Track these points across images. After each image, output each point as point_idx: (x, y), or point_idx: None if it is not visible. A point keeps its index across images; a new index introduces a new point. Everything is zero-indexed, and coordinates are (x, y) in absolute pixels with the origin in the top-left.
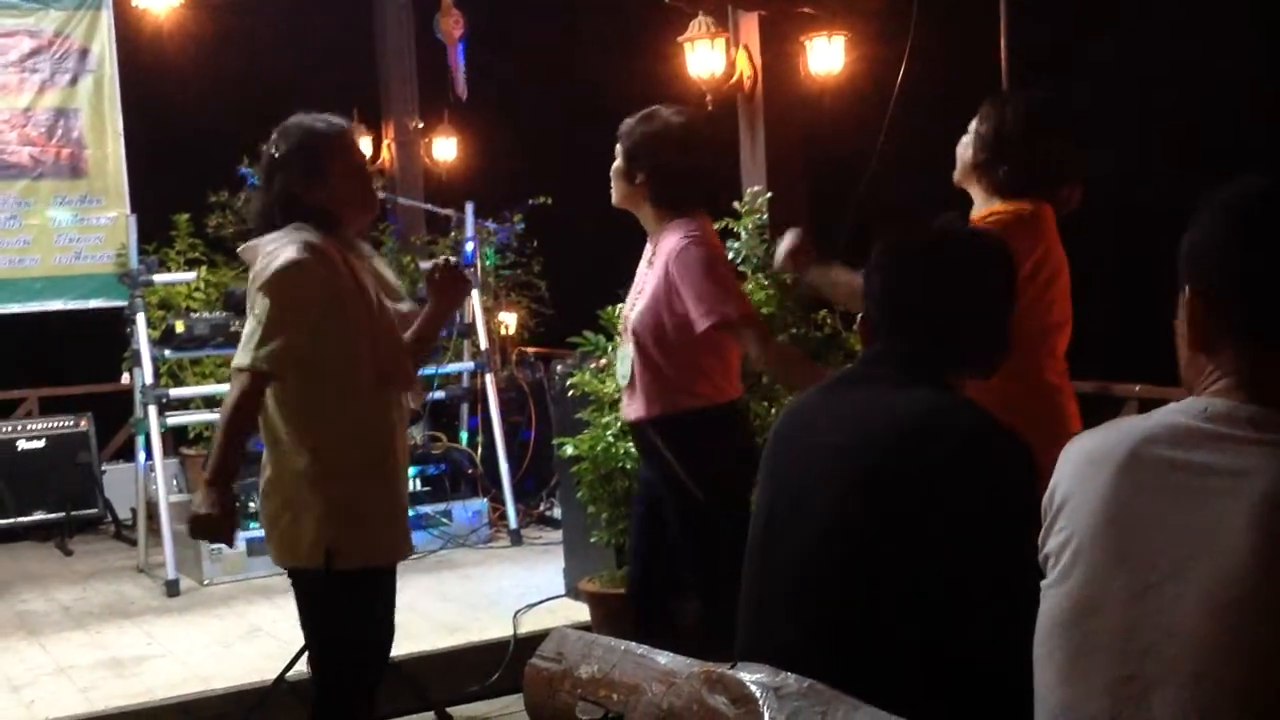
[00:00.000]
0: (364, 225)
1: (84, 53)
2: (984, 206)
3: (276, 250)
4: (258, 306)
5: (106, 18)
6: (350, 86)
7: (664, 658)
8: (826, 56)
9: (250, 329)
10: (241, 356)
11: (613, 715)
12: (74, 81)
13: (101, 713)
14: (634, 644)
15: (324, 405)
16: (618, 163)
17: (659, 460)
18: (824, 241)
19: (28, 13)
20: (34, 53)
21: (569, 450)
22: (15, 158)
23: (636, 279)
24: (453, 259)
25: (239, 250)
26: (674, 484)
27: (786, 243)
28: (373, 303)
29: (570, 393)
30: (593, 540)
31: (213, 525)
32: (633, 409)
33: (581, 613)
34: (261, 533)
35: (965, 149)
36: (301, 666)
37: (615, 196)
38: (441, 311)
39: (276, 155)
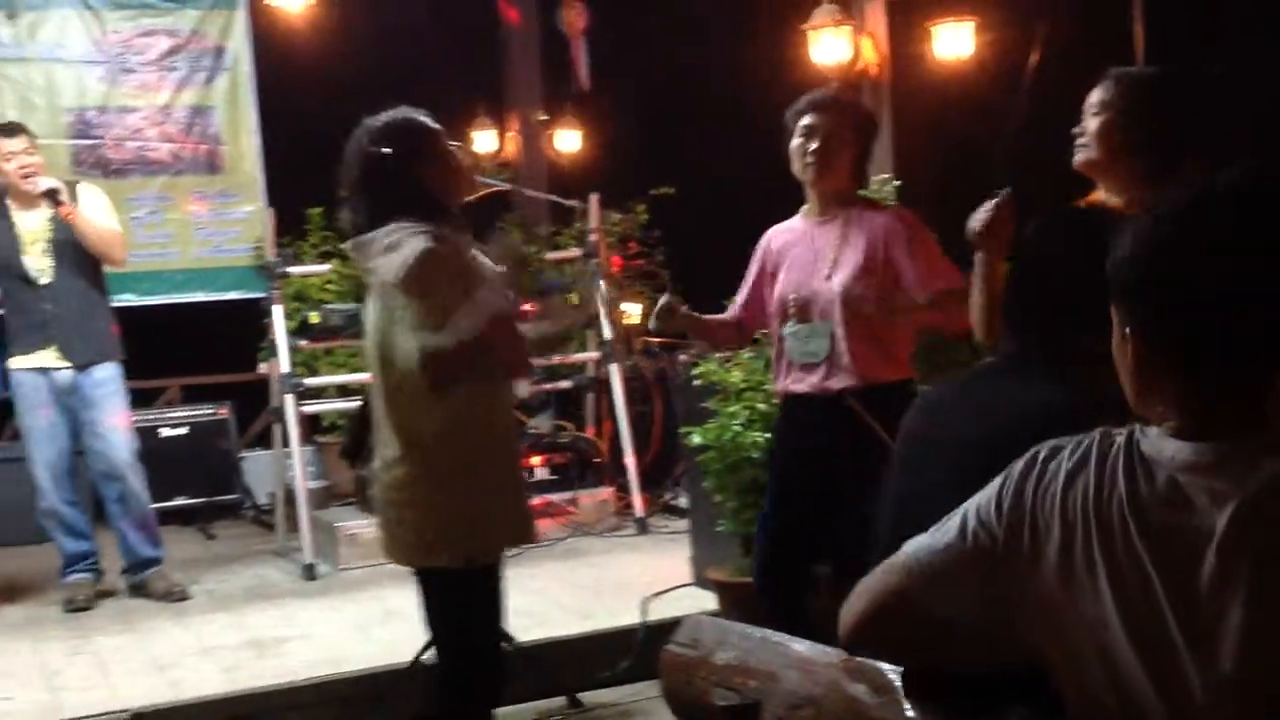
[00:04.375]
0: (460, 203)
1: (219, 51)
2: (1122, 193)
3: (401, 242)
4: (401, 302)
5: (241, 17)
6: (475, 79)
7: (801, 645)
8: (954, 42)
9: (405, 325)
10: (409, 352)
11: (749, 702)
12: (210, 79)
13: (244, 692)
14: (770, 631)
15: (459, 398)
16: (822, 141)
17: (853, 432)
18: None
19: (166, 12)
20: (172, 51)
21: (696, 440)
22: (156, 154)
23: (798, 257)
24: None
25: (349, 246)
26: (873, 455)
27: (982, 215)
28: (492, 288)
29: (696, 382)
30: (719, 529)
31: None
32: (835, 380)
33: (708, 601)
34: None
35: (1099, 131)
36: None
37: (827, 169)
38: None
39: (376, 153)
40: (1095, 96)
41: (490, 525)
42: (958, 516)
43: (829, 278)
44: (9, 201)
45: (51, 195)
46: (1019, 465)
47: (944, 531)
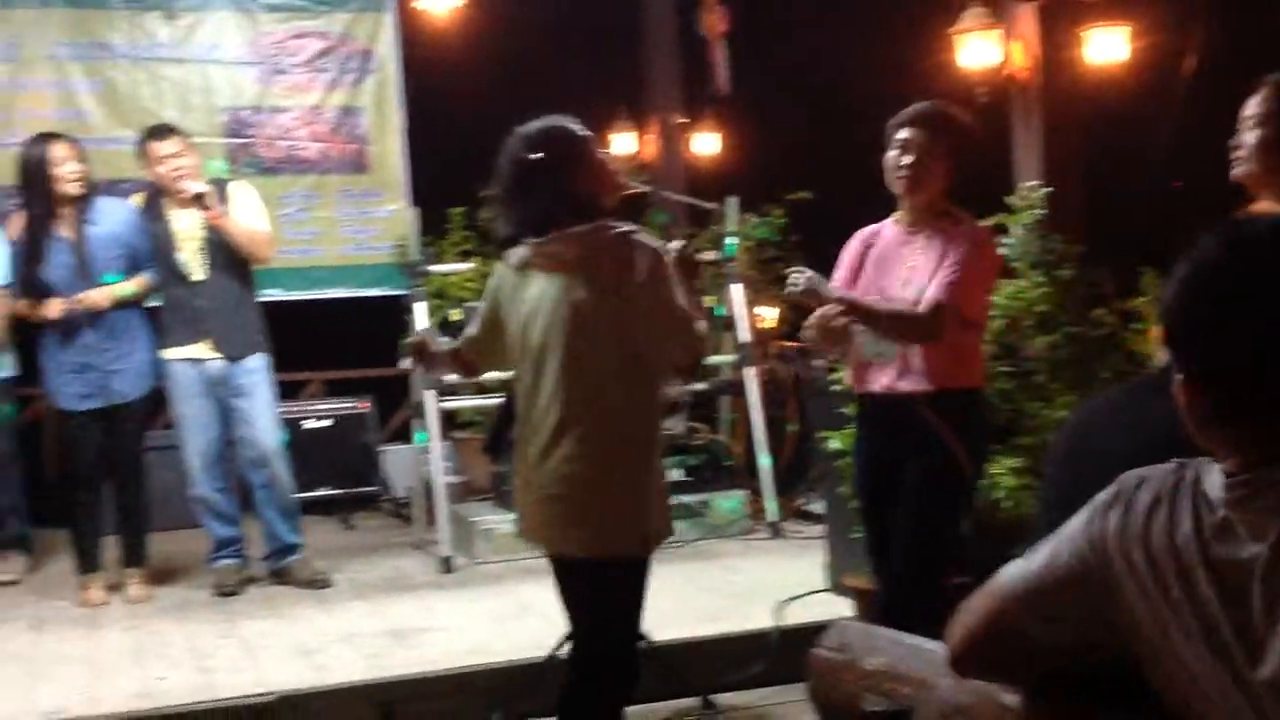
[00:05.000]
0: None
1: (368, 53)
2: None
3: (626, 243)
4: (653, 300)
5: (389, 20)
6: (615, 82)
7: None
8: (1107, 47)
9: (666, 325)
10: (684, 353)
11: (900, 709)
12: (359, 81)
13: (387, 679)
14: (920, 638)
15: (641, 392)
16: (916, 155)
17: (923, 436)
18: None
19: (317, 15)
20: (322, 53)
21: (834, 445)
22: (305, 153)
23: (881, 260)
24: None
25: (535, 245)
26: (940, 459)
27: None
28: None
29: (835, 387)
30: (855, 535)
31: None
32: (906, 382)
33: (843, 607)
34: None
35: (1258, 144)
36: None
37: (919, 184)
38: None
39: (534, 160)
40: (1252, 108)
41: (659, 514)
42: (1051, 542)
43: (904, 286)
44: (165, 201)
45: (199, 199)
46: (1105, 494)
47: (1039, 557)
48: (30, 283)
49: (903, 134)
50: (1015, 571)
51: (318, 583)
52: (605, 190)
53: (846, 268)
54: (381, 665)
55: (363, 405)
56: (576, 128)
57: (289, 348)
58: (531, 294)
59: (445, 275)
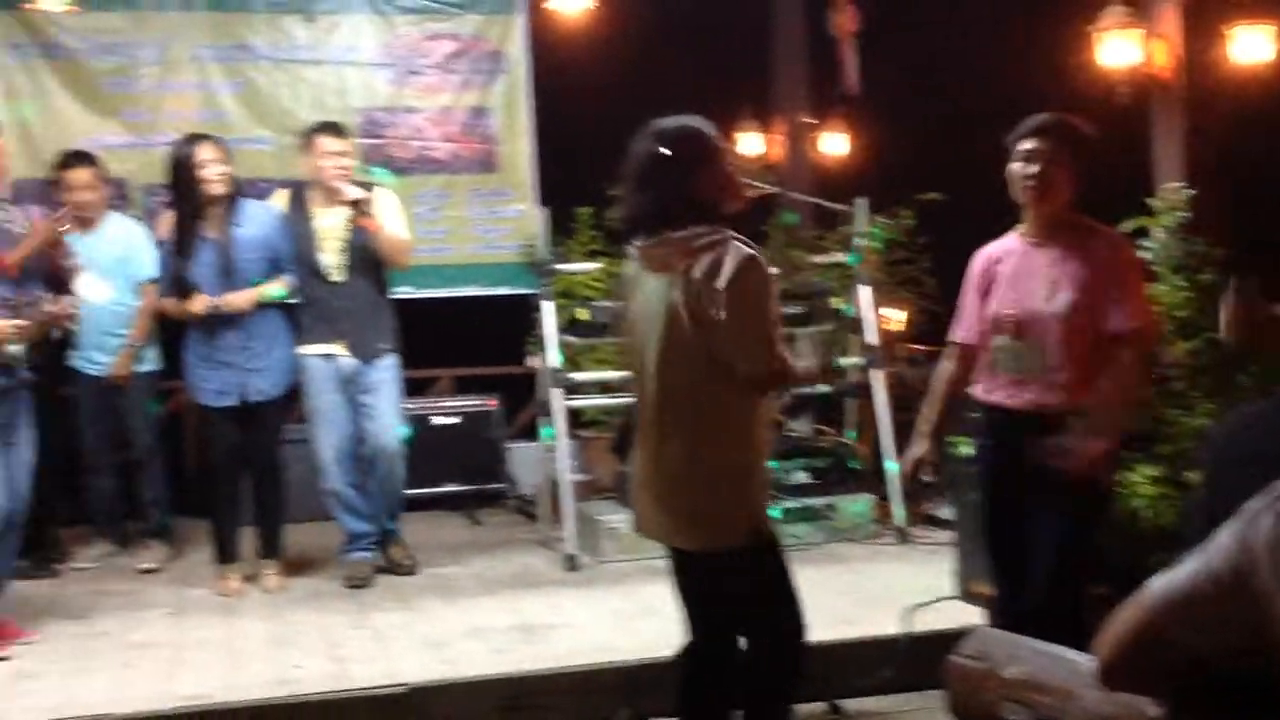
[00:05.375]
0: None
1: (498, 54)
2: None
3: (719, 248)
4: (730, 308)
5: (520, 22)
6: (743, 82)
7: (1093, 663)
8: (1253, 46)
9: (738, 334)
10: (751, 361)
11: (1042, 718)
12: (489, 82)
13: (517, 674)
14: (1062, 648)
15: (747, 393)
16: (1042, 166)
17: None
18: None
19: (450, 17)
20: (454, 55)
21: (965, 450)
22: (437, 154)
23: (1016, 276)
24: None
25: (643, 246)
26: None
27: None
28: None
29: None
30: None
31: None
32: (1046, 398)
33: (972, 615)
34: None
35: None
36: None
37: (1046, 194)
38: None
39: (661, 155)
40: None
41: (762, 502)
42: (1201, 552)
43: (1048, 299)
44: (311, 199)
45: (357, 205)
46: (1256, 502)
47: (1188, 567)
48: (177, 280)
49: (1027, 145)
50: (1165, 581)
51: (404, 567)
52: (727, 196)
53: (974, 289)
54: (509, 660)
55: (490, 402)
56: (710, 131)
57: (419, 345)
58: (642, 293)
59: (573, 274)
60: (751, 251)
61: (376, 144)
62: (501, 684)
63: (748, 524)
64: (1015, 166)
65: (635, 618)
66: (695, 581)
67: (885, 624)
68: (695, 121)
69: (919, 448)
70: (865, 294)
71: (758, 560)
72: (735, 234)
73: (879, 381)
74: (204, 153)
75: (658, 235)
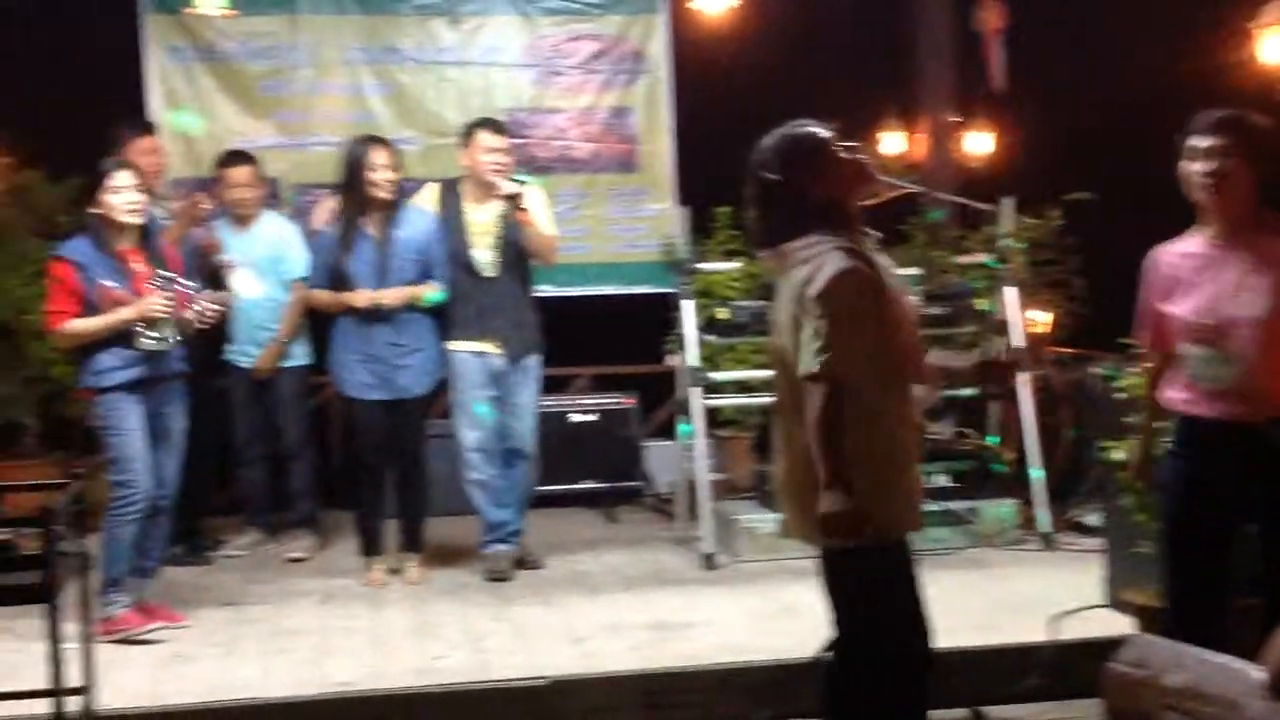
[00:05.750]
0: (863, 206)
1: (640, 54)
2: None
3: (820, 259)
4: (814, 315)
5: (662, 21)
6: (885, 80)
7: (1264, 674)
8: None
9: (810, 337)
10: (810, 363)
11: None
12: (630, 82)
13: (656, 671)
14: (1228, 657)
15: (858, 389)
16: (1221, 163)
17: (1265, 462)
18: None
19: (592, 18)
20: (596, 55)
21: (1118, 455)
22: (577, 153)
23: (1203, 280)
24: (1013, 356)
25: (763, 256)
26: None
27: None
28: (897, 296)
29: (1119, 395)
30: (1139, 550)
31: (841, 521)
32: (1245, 408)
33: (1122, 624)
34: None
35: None
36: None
37: (1226, 193)
38: (969, 378)
39: (767, 179)
40: None
41: (887, 505)
42: None
43: (1244, 304)
44: (463, 195)
45: (514, 199)
46: None
47: None
48: (334, 273)
49: (1203, 142)
50: None
51: (529, 563)
52: (850, 192)
53: (1156, 290)
54: (647, 656)
55: (627, 401)
56: (813, 134)
57: (557, 343)
58: (779, 297)
59: (711, 273)
60: (850, 264)
61: (519, 144)
62: (641, 680)
63: (860, 525)
64: (1190, 165)
65: (773, 618)
66: (826, 579)
67: (1029, 631)
68: (796, 131)
69: (1142, 452)
70: (1011, 295)
71: (869, 563)
72: (847, 244)
73: (1024, 384)
74: (377, 156)
75: (776, 248)
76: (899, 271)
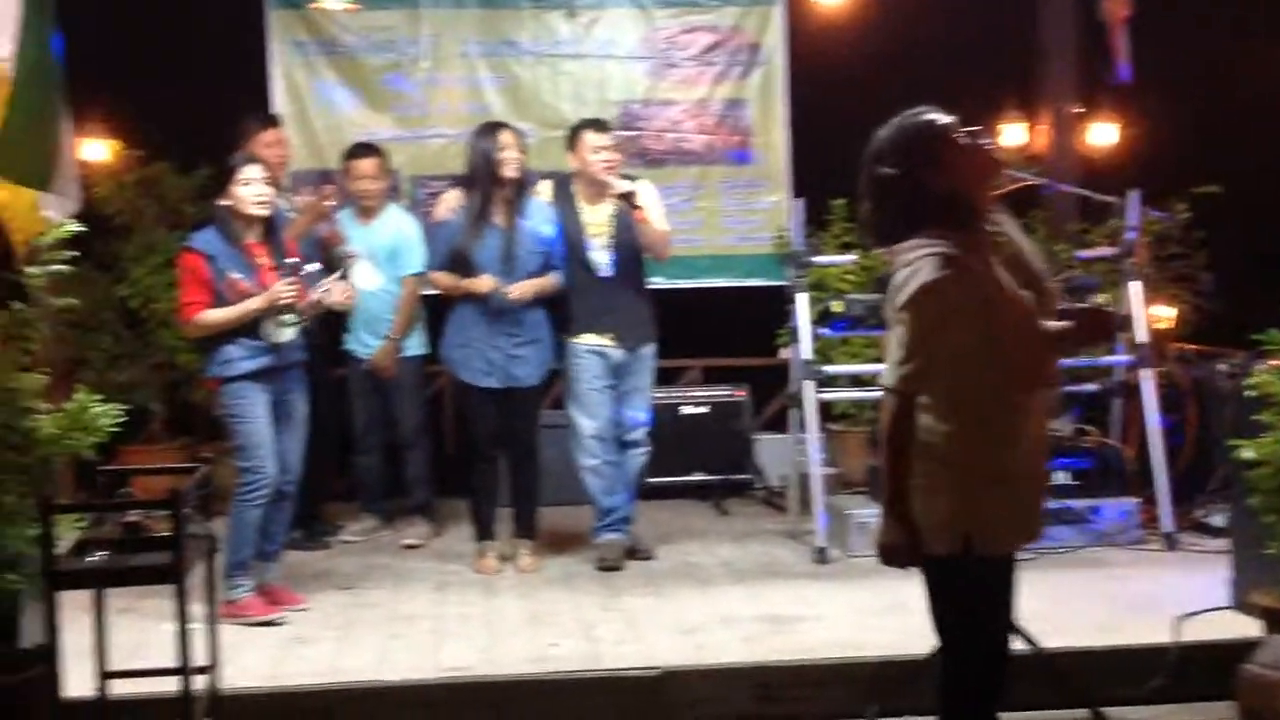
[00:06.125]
0: (989, 196)
1: (756, 46)
2: None
3: (917, 266)
4: (900, 324)
5: (778, 13)
6: (1005, 70)
7: None
8: None
9: (893, 348)
10: (888, 376)
11: None
12: (745, 74)
13: (765, 664)
14: None
15: (961, 401)
16: None
17: None
18: None
19: (708, 10)
20: (712, 47)
21: (1248, 454)
22: (691, 146)
23: None
24: (1106, 306)
25: (882, 252)
26: None
27: None
28: (1011, 299)
29: (1249, 393)
30: (1268, 551)
31: (895, 553)
32: None
33: (1249, 627)
34: None
35: None
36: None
37: None
38: (1074, 342)
39: (889, 162)
40: None
41: (989, 518)
42: None
43: None
44: (576, 193)
45: (628, 198)
46: None
47: None
48: (458, 259)
49: None
50: None
51: (640, 554)
52: (974, 184)
53: None
54: (759, 649)
55: (739, 393)
56: (932, 122)
57: (669, 334)
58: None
59: (826, 266)
60: (942, 274)
61: (632, 136)
62: (753, 672)
63: (958, 531)
64: None
65: (885, 613)
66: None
67: (1150, 632)
68: (918, 118)
69: None
70: (1135, 290)
71: (956, 573)
72: (947, 249)
73: (1147, 381)
74: (504, 139)
75: (888, 246)
76: (1033, 263)
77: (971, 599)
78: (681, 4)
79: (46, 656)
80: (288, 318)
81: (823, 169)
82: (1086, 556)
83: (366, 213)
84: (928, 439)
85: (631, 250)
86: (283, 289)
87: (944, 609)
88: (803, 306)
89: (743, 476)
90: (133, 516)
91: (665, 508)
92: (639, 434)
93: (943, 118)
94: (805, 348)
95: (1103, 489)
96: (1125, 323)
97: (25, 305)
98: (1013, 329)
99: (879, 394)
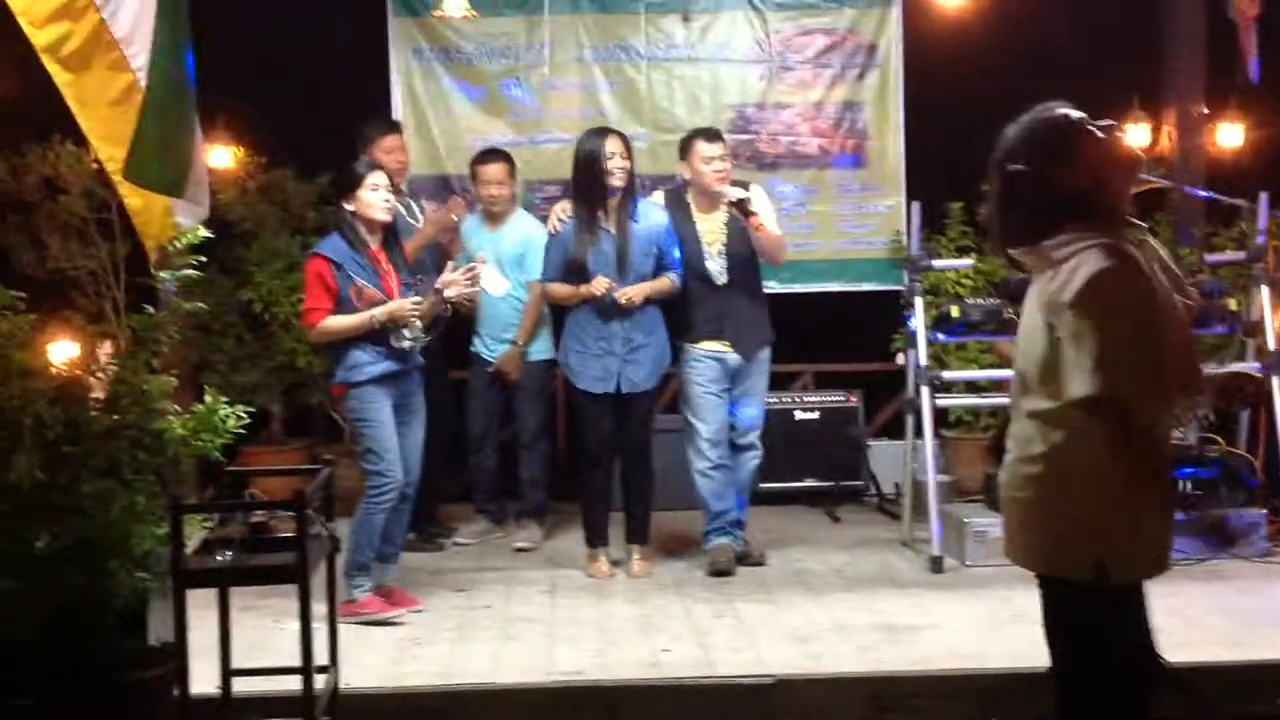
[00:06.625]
0: (1128, 194)
1: (872, 48)
2: None
3: (1077, 260)
4: (1072, 326)
5: (895, 14)
6: (1130, 70)
7: None
8: None
9: (1075, 353)
10: (1080, 386)
11: None
12: (861, 76)
13: (880, 673)
14: None
15: (1113, 405)
16: None
17: None
18: None
19: (825, 12)
20: (827, 50)
21: None
22: (806, 149)
23: None
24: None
25: (1015, 254)
26: None
27: None
28: (1167, 299)
29: None
30: None
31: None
32: None
33: None
34: None
35: None
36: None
37: None
38: (1211, 396)
39: (1020, 160)
40: None
41: (1124, 545)
42: None
43: None
44: (691, 202)
45: (742, 205)
46: None
47: None
48: (574, 267)
49: None
50: None
51: (752, 560)
52: (1109, 181)
53: None
54: (873, 659)
55: (852, 399)
56: (1064, 117)
57: (782, 339)
58: (1030, 296)
59: (942, 271)
60: (1111, 263)
61: (746, 140)
62: (868, 682)
63: (1094, 555)
64: None
65: (1003, 624)
66: (1043, 603)
67: (1278, 648)
68: (1049, 114)
69: None
70: (1264, 295)
71: (1093, 602)
72: (1106, 239)
73: (1277, 389)
74: (611, 145)
75: (1026, 246)
76: (1172, 266)
77: (1093, 625)
78: (797, 6)
79: (175, 654)
80: (415, 324)
81: (939, 172)
82: (1211, 569)
83: (494, 218)
84: (1057, 445)
85: (746, 256)
86: (409, 306)
87: (1063, 632)
88: (920, 311)
89: (855, 483)
90: (258, 517)
91: (777, 514)
92: (752, 436)
93: (1075, 112)
94: (921, 353)
95: (1229, 500)
96: (1254, 328)
97: (155, 309)
98: (1172, 329)
99: (996, 400)
